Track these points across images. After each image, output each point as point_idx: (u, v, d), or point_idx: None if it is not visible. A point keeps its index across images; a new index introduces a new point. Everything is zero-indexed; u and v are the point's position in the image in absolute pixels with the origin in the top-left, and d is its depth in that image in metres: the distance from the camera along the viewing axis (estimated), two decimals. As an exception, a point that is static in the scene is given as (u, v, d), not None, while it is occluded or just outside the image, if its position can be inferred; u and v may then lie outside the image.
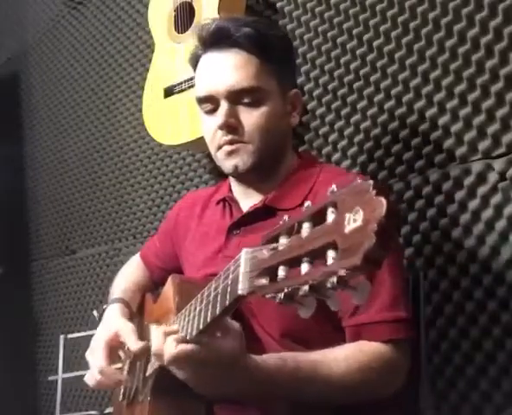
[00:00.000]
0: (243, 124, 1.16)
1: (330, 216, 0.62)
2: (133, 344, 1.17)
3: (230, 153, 1.17)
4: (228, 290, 0.80)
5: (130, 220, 2.32)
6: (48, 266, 2.76)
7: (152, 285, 1.45)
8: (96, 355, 1.21)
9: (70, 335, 2.09)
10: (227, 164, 1.19)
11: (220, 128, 1.17)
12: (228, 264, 0.82)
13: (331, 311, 0.72)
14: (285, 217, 0.71)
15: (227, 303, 0.80)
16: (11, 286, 2.87)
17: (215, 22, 1.20)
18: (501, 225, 1.29)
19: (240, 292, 0.75)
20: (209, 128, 1.20)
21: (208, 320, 0.86)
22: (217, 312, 0.83)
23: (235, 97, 1.16)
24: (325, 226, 0.62)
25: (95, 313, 1.78)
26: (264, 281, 0.72)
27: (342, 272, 0.59)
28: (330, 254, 0.61)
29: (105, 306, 1.36)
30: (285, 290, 0.67)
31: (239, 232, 1.22)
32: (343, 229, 0.59)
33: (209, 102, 1.19)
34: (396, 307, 1.08)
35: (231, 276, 0.80)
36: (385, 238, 0.56)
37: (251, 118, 1.16)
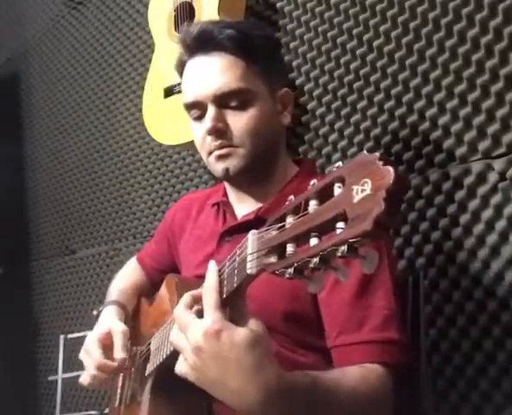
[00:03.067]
0: (231, 127, 1.14)
1: (337, 191, 0.62)
2: (118, 351, 1.17)
3: (220, 157, 1.15)
4: (235, 272, 0.78)
5: (130, 220, 2.33)
6: (48, 266, 2.77)
7: (150, 287, 1.45)
8: (90, 353, 1.21)
9: (70, 335, 2.09)
10: (217, 168, 1.17)
11: (209, 133, 1.14)
12: (234, 250, 0.80)
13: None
14: (291, 197, 0.70)
15: (235, 284, 0.78)
16: (11, 286, 2.88)
17: (198, 26, 1.17)
18: (501, 225, 1.29)
19: (248, 271, 0.74)
20: (198, 134, 1.18)
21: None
22: (224, 296, 0.80)
23: (222, 100, 1.13)
24: (334, 200, 0.62)
25: (95, 313, 1.78)
26: (272, 259, 0.71)
27: (353, 239, 0.59)
28: (339, 225, 0.61)
29: (101, 308, 1.36)
30: (295, 265, 0.66)
31: (231, 239, 1.20)
32: (352, 199, 0.59)
33: (197, 108, 1.17)
34: (388, 328, 1.02)
35: (238, 259, 0.78)
36: (394, 204, 0.57)
37: (239, 121, 1.14)
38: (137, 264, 1.51)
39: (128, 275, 1.48)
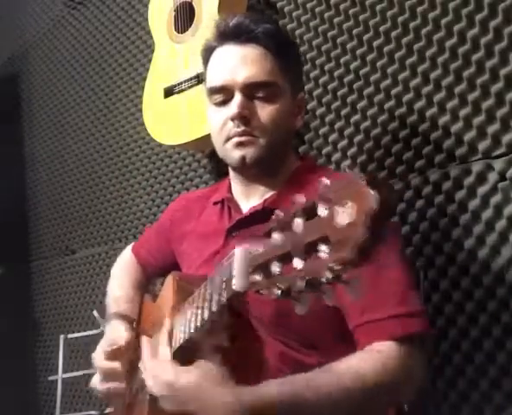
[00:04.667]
0: (255, 117, 1.16)
1: (322, 210, 0.62)
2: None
3: (240, 144, 1.16)
4: (223, 286, 0.79)
5: (130, 220, 2.33)
6: (48, 266, 2.77)
7: (146, 281, 1.46)
8: (97, 367, 1.24)
9: (70, 335, 2.09)
10: (234, 154, 1.18)
11: (233, 118, 1.16)
12: (221, 261, 0.82)
13: (332, 318, 0.71)
14: (277, 212, 0.70)
15: (223, 300, 0.80)
16: (11, 286, 2.87)
17: (236, 17, 1.21)
18: (501, 225, 1.29)
19: (234, 288, 0.75)
20: (219, 119, 1.19)
21: (206, 318, 0.86)
22: (213, 309, 0.83)
23: (251, 90, 1.16)
24: (317, 221, 0.62)
25: (95, 313, 1.78)
26: (258, 277, 0.71)
27: (335, 266, 0.59)
28: (323, 248, 0.60)
29: (105, 321, 1.37)
30: (280, 286, 0.66)
31: (238, 234, 1.21)
32: (335, 223, 0.58)
33: (222, 93, 1.18)
34: (409, 302, 1.05)
35: (224, 272, 0.79)
36: (376, 229, 0.55)
37: (264, 112, 1.16)
38: (132, 256, 1.50)
39: (126, 275, 1.47)
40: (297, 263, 0.64)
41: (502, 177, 1.29)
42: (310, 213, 0.64)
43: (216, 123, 1.20)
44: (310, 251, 0.63)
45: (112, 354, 1.21)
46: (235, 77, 1.16)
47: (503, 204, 1.29)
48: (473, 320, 1.34)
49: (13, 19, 3.05)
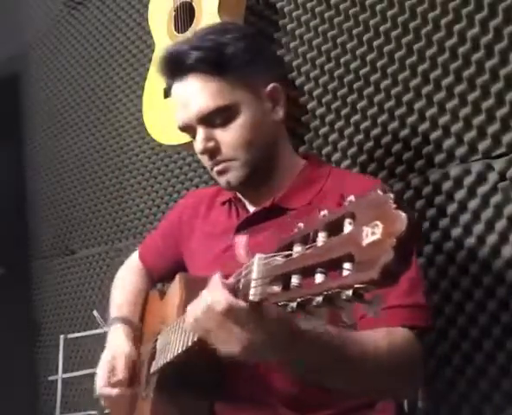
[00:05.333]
0: (221, 144, 1.15)
1: (347, 227, 0.60)
2: (118, 373, 1.24)
3: (220, 172, 1.18)
4: (239, 295, 0.78)
5: (130, 220, 2.33)
6: (48, 266, 2.77)
7: (152, 286, 1.45)
8: (99, 376, 1.26)
9: (70, 335, 2.09)
10: (220, 181, 1.20)
11: (201, 154, 1.18)
12: (239, 269, 0.80)
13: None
14: (301, 224, 0.69)
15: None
16: (11, 286, 2.87)
17: (167, 51, 1.19)
18: (501, 225, 1.29)
19: (251, 298, 0.74)
20: (197, 153, 1.21)
21: None
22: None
23: (207, 120, 1.15)
24: (342, 237, 0.61)
25: (95, 313, 1.79)
26: (276, 288, 0.70)
27: (358, 285, 0.58)
28: (346, 266, 0.59)
29: (108, 324, 1.37)
30: (298, 300, 0.65)
31: (246, 231, 1.21)
32: (361, 241, 0.57)
33: (188, 131, 1.20)
34: (415, 294, 1.05)
35: (242, 280, 0.78)
36: (403, 253, 0.54)
37: (227, 135, 1.15)
38: (139, 262, 1.49)
39: (131, 281, 1.46)
40: (319, 278, 0.63)
41: (502, 177, 1.29)
42: (335, 228, 0.62)
43: (198, 155, 1.22)
44: (333, 267, 0.62)
45: (113, 384, 1.24)
46: (189, 115, 1.16)
47: (503, 204, 1.29)
48: (473, 320, 1.34)
49: (13, 19, 3.05)
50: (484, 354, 1.33)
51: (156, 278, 1.45)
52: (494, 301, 1.31)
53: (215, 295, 0.82)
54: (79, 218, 2.59)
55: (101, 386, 1.24)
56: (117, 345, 1.29)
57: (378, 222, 0.56)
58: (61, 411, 2.08)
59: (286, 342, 0.82)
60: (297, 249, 0.67)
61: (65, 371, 2.03)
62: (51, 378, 2.16)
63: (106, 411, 1.69)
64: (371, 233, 0.56)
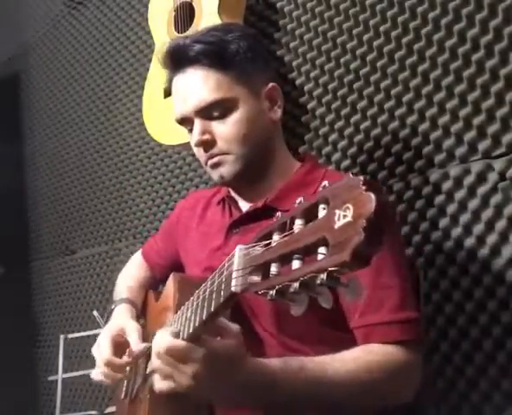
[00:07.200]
0: (217, 137, 1.18)
1: (322, 212, 0.62)
2: (135, 344, 1.18)
3: (213, 166, 1.20)
4: (222, 287, 0.80)
5: (130, 220, 2.33)
6: (48, 266, 2.77)
7: (154, 283, 1.48)
8: (101, 349, 1.22)
9: (70, 335, 2.09)
10: (213, 175, 1.22)
11: (197, 146, 1.19)
12: (223, 262, 0.82)
13: (328, 313, 0.72)
14: (279, 213, 0.71)
15: (221, 300, 0.80)
16: (11, 286, 2.87)
17: (170, 44, 1.23)
18: (501, 225, 1.29)
19: (233, 289, 0.75)
20: (193, 146, 1.23)
21: (204, 318, 0.86)
22: (212, 309, 0.83)
23: (205, 113, 1.17)
24: (316, 223, 0.62)
25: (95, 313, 1.78)
26: (256, 278, 0.71)
27: (332, 268, 0.59)
28: (321, 250, 0.60)
29: (112, 306, 1.37)
30: (276, 287, 0.66)
31: (238, 230, 1.23)
32: (333, 225, 0.58)
33: (185, 123, 1.22)
34: (406, 307, 1.08)
35: (225, 273, 0.80)
36: (374, 234, 0.55)
37: (223, 129, 1.17)
38: (142, 259, 1.53)
39: (134, 272, 1.50)
40: (296, 264, 0.64)
41: (502, 177, 1.29)
42: (310, 215, 0.64)
43: (193, 149, 1.24)
44: (309, 252, 0.63)
45: (118, 346, 1.21)
46: (187, 106, 1.18)
47: (503, 204, 1.29)
48: (473, 320, 1.34)
49: (13, 19, 3.05)
50: (484, 354, 1.33)
51: (159, 277, 1.47)
52: (494, 301, 1.31)
53: (158, 340, 0.91)
54: (79, 218, 2.59)
55: (105, 355, 1.20)
56: (124, 322, 1.27)
57: (349, 205, 0.57)
58: (61, 411, 2.07)
59: (234, 373, 0.89)
60: (276, 238, 0.69)
61: (65, 371, 2.03)
62: (51, 378, 2.15)
63: (107, 410, 1.69)
64: (343, 216, 0.57)
